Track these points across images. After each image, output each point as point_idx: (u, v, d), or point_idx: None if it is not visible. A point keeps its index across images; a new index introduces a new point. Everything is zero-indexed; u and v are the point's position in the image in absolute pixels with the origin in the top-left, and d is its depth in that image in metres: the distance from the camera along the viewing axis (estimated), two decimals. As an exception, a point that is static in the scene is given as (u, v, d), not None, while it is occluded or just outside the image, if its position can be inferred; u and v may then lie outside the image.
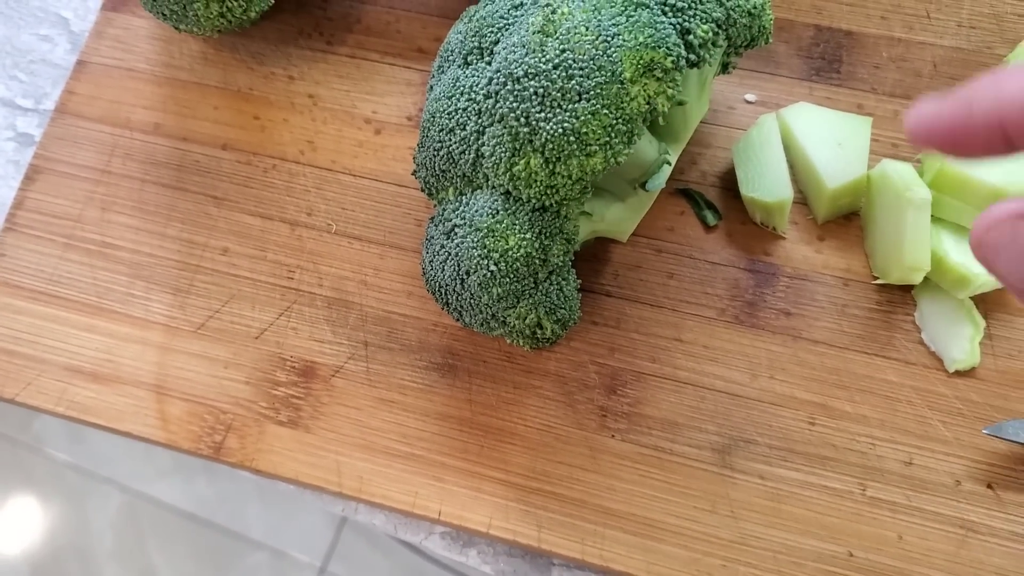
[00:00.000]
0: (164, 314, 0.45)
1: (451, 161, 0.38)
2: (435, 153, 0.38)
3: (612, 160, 0.34)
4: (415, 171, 0.41)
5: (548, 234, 0.36)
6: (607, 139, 0.34)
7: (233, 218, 0.47)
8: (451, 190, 0.39)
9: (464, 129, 0.37)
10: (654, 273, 0.44)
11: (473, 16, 0.39)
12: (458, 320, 0.40)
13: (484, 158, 0.36)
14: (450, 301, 0.39)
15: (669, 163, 0.39)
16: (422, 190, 0.41)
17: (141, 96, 0.50)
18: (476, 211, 0.37)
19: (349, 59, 0.49)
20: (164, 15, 0.44)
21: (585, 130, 0.33)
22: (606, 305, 0.43)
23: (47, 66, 0.54)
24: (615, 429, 0.41)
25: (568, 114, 0.33)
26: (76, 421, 0.44)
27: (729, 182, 0.45)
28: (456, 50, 0.39)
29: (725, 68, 0.41)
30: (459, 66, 0.38)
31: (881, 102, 0.45)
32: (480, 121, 0.36)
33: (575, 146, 0.34)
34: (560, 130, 0.33)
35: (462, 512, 0.41)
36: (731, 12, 0.36)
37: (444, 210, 0.38)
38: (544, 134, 0.34)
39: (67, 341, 0.45)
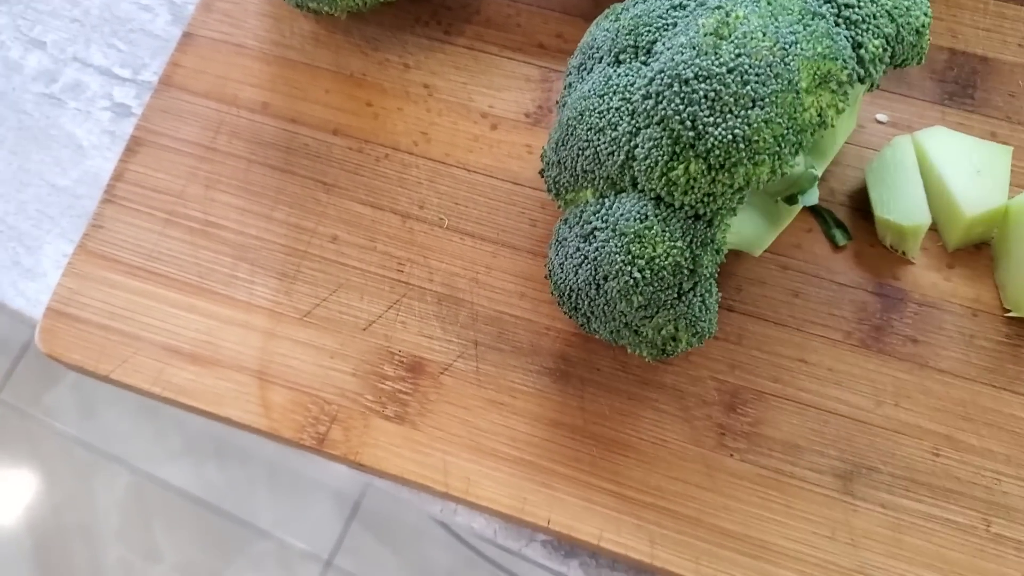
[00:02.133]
0: (269, 299, 0.44)
1: (597, 161, 0.37)
2: (580, 152, 0.37)
3: (779, 171, 0.33)
4: (543, 170, 0.40)
5: (699, 243, 0.35)
6: (776, 149, 0.33)
7: (343, 206, 0.46)
8: (590, 191, 0.38)
9: (616, 129, 0.36)
10: (779, 290, 0.43)
11: (624, 14, 0.38)
12: (583, 326, 0.39)
13: (636, 160, 0.35)
14: (580, 306, 0.38)
15: (817, 177, 0.38)
16: (549, 190, 0.40)
17: (249, 73, 0.48)
18: (622, 215, 0.36)
19: (467, 50, 0.48)
20: None
21: (756, 138, 0.32)
22: (728, 320, 0.42)
23: (147, 36, 0.52)
24: (733, 448, 0.40)
25: (740, 120, 0.32)
26: (174, 404, 0.43)
27: (858, 202, 0.44)
28: (605, 48, 0.38)
29: (872, 86, 0.40)
30: (610, 64, 0.37)
31: (1015, 131, 0.44)
32: (634, 122, 0.35)
33: (744, 154, 0.32)
34: (730, 136, 0.32)
35: (572, 522, 0.40)
36: (901, 29, 0.35)
37: (583, 212, 0.37)
38: (711, 139, 0.33)
39: (166, 320, 0.44)
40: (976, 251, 0.43)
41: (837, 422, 0.41)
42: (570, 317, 0.40)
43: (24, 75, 0.52)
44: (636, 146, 0.35)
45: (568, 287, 0.38)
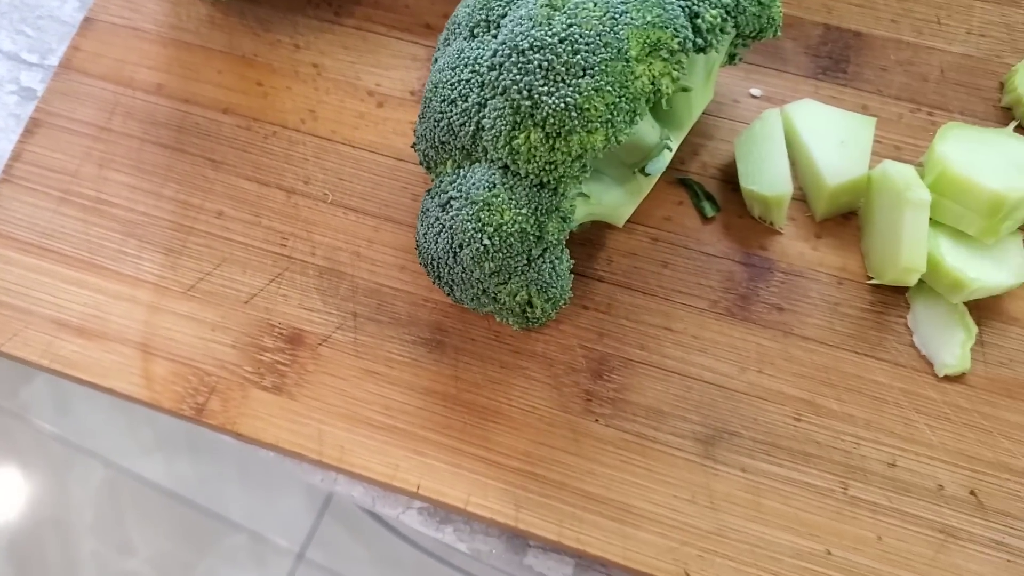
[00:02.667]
0: (155, 273, 0.45)
1: (451, 133, 0.37)
2: (435, 124, 0.38)
3: (613, 138, 0.34)
4: (415, 144, 0.41)
5: (544, 211, 0.36)
6: (609, 116, 0.33)
7: (230, 182, 0.46)
8: (449, 163, 0.39)
9: (466, 101, 0.37)
10: (648, 261, 0.43)
11: None
12: (449, 295, 0.40)
13: (484, 131, 0.36)
14: (442, 275, 0.39)
15: (670, 148, 0.39)
16: (421, 163, 0.41)
17: (146, 56, 0.49)
18: (473, 184, 0.36)
19: (355, 31, 0.49)
20: None
21: (587, 106, 0.33)
22: (598, 290, 0.43)
23: (55, 22, 0.53)
24: (599, 414, 0.41)
25: (571, 89, 0.33)
26: (60, 375, 0.44)
27: (729, 175, 0.44)
28: (463, 23, 0.39)
29: (732, 59, 0.41)
30: (465, 38, 0.38)
31: (886, 104, 0.45)
32: (483, 93, 0.36)
33: (576, 122, 0.33)
34: (562, 104, 0.33)
35: (441, 487, 0.40)
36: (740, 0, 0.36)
37: (441, 182, 0.38)
38: (546, 108, 0.33)
39: (55, 294, 0.45)
40: (845, 221, 0.44)
41: (701, 388, 0.41)
42: (439, 287, 0.41)
43: (-66, 61, 0.53)
44: (484, 116, 0.36)
45: (431, 256, 0.39)
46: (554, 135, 0.34)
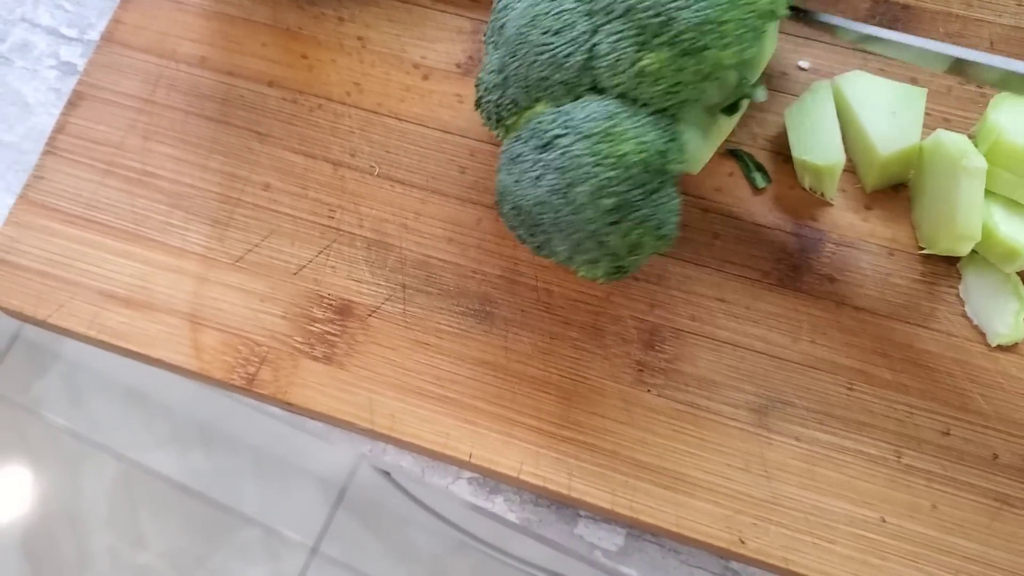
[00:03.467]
0: (202, 245, 0.45)
1: (555, 67, 0.36)
2: (534, 60, 0.37)
3: (742, 55, 0.34)
4: (480, 98, 0.40)
5: (666, 139, 0.36)
6: (741, 31, 0.34)
7: (276, 155, 0.46)
8: (543, 104, 0.38)
9: (573, 30, 0.36)
10: (700, 232, 0.43)
11: None
12: (539, 248, 0.39)
13: (598, 58, 0.36)
14: (540, 223, 0.38)
15: (752, 90, 0.38)
16: (488, 119, 0.40)
17: (189, 29, 0.49)
18: (584, 118, 0.36)
19: (400, 3, 0.49)
20: None
21: (725, 19, 0.33)
22: (649, 261, 0.43)
23: (94, -3, 0.53)
24: (651, 384, 0.41)
25: (707, 2, 0.33)
26: (107, 347, 0.44)
27: (779, 146, 0.44)
28: None
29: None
30: None
31: (935, 77, 0.45)
32: (593, 20, 0.36)
33: (712, 36, 0.33)
34: (699, 19, 0.33)
35: (493, 456, 0.40)
36: None
37: (539, 124, 0.37)
38: (680, 23, 0.33)
39: (102, 266, 0.45)
40: (894, 193, 0.43)
41: (753, 358, 0.41)
42: (523, 241, 0.39)
43: (-27, 36, 0.53)
44: (597, 44, 0.36)
45: (526, 205, 0.38)
46: (686, 53, 0.34)
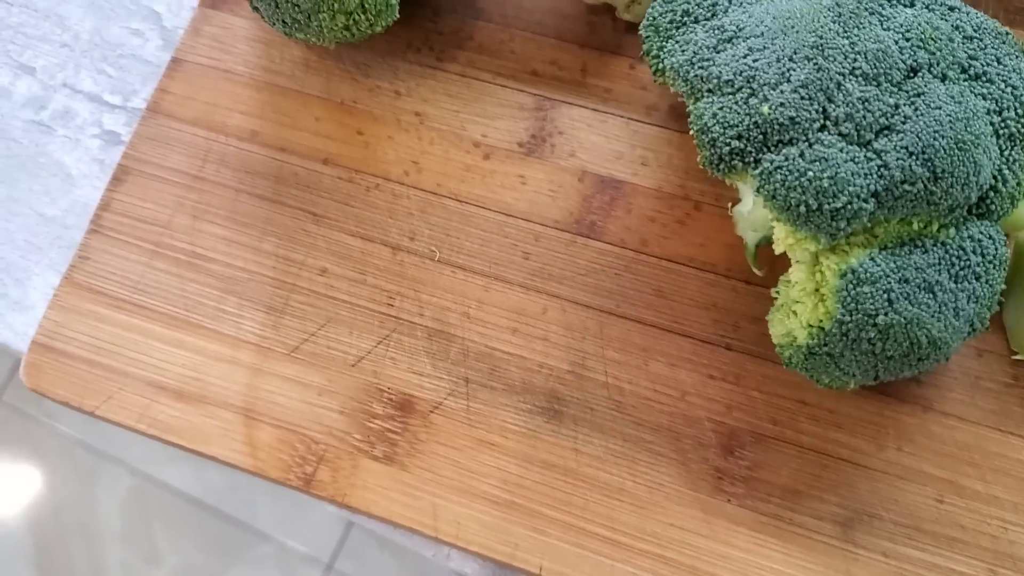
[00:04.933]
0: (256, 333, 0.43)
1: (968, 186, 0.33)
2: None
3: None
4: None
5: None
6: None
7: (332, 237, 0.45)
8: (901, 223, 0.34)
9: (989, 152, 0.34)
10: (778, 328, 0.41)
11: None
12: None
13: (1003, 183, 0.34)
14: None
15: None
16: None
17: (238, 100, 0.47)
18: None
19: (459, 77, 0.47)
20: (284, 23, 0.42)
21: None
22: (724, 359, 0.41)
23: (137, 62, 0.51)
24: (731, 493, 0.39)
25: None
26: (158, 440, 0.42)
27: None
28: None
29: None
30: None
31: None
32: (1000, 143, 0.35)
33: None
34: None
35: (564, 569, 0.39)
36: None
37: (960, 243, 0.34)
38: None
39: (151, 355, 0.43)
40: (983, 288, 0.42)
41: (838, 466, 0.39)
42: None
43: (13, 102, 0.51)
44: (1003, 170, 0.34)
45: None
46: None
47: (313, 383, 0.42)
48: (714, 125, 0.34)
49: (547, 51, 0.47)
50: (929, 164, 0.32)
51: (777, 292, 0.38)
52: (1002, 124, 0.34)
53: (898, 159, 0.32)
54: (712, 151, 0.34)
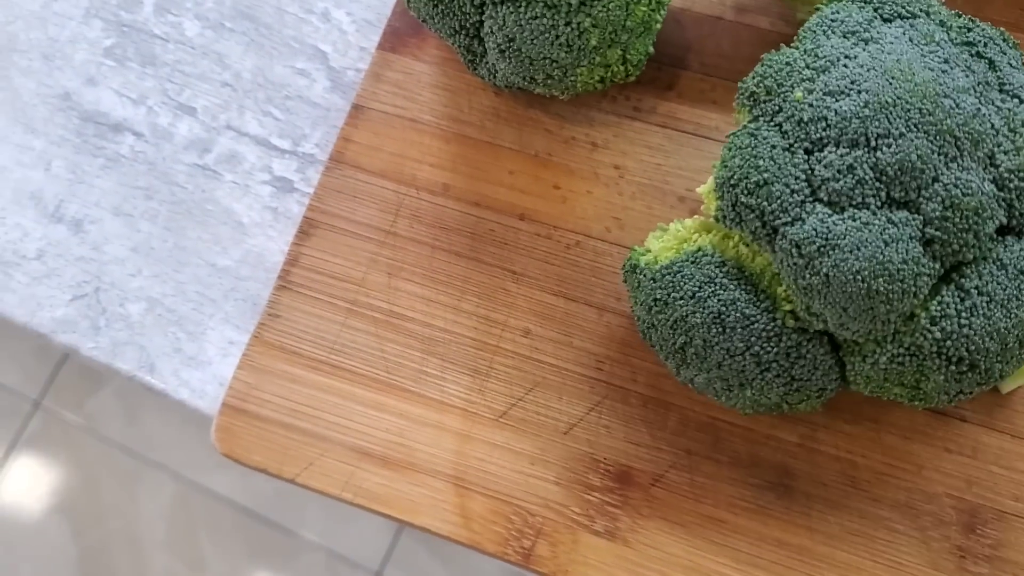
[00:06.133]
0: (462, 397, 0.42)
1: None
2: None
3: None
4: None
5: None
6: None
7: (534, 297, 0.43)
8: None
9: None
10: (1014, 399, 0.40)
11: None
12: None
13: None
14: None
15: None
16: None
17: (427, 151, 0.46)
18: None
19: (660, 128, 0.45)
20: (532, 80, 0.40)
21: None
22: (961, 431, 0.40)
23: (305, 104, 0.50)
24: (975, 573, 0.38)
25: None
26: (364, 509, 0.41)
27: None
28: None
29: None
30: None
31: None
32: None
33: None
34: None
35: (805, 653, 0.37)
36: None
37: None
38: None
39: (353, 419, 0.42)
40: None
41: (1087, 547, 0.38)
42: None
43: (175, 144, 0.50)
44: None
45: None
46: None
47: (524, 451, 0.41)
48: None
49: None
50: None
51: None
52: None
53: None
54: None
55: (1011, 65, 0.36)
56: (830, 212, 0.32)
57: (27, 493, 1.23)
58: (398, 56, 0.48)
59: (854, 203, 0.32)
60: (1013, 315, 0.33)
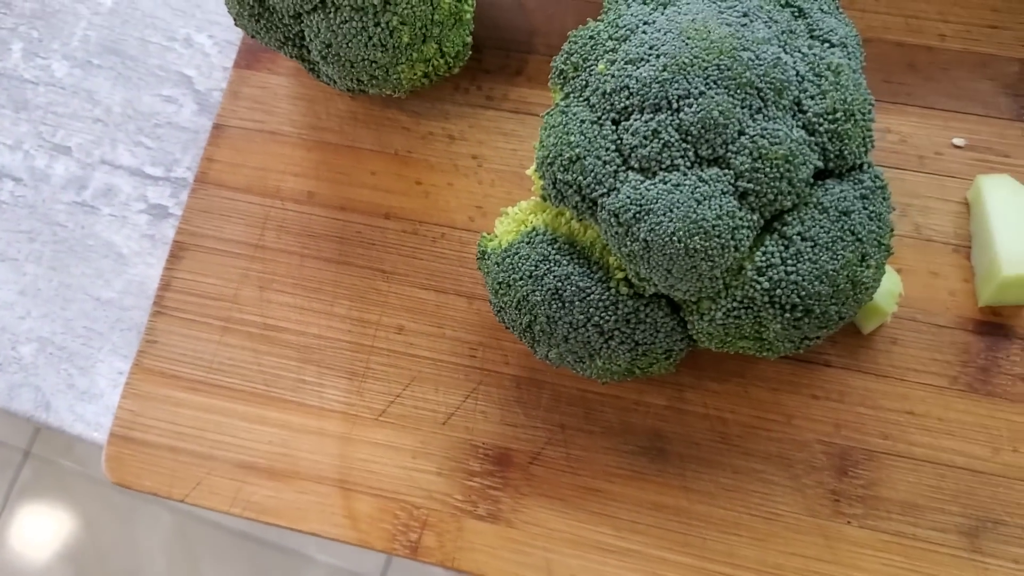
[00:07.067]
0: (341, 401, 0.42)
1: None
2: None
3: None
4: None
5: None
6: None
7: (405, 293, 0.44)
8: None
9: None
10: (876, 339, 0.40)
11: None
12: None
13: None
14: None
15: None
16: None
17: (289, 162, 0.46)
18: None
19: (512, 114, 0.46)
20: (359, 81, 0.40)
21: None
22: (826, 376, 0.40)
23: (174, 129, 0.50)
24: (850, 515, 0.38)
25: None
26: (255, 521, 0.41)
27: (944, 235, 0.42)
28: None
29: None
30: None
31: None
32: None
33: None
34: None
35: (690, 611, 0.38)
36: None
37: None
38: None
39: (236, 435, 0.42)
40: (1078, 276, 0.41)
41: (955, 475, 0.38)
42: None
43: (52, 184, 0.50)
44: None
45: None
46: None
47: (405, 446, 0.41)
48: None
49: (598, 78, 0.46)
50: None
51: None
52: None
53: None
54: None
55: (822, 10, 0.36)
56: (642, 179, 0.33)
57: (29, 542, 1.24)
58: (253, 72, 0.48)
59: (664, 166, 0.33)
60: (840, 256, 0.33)
